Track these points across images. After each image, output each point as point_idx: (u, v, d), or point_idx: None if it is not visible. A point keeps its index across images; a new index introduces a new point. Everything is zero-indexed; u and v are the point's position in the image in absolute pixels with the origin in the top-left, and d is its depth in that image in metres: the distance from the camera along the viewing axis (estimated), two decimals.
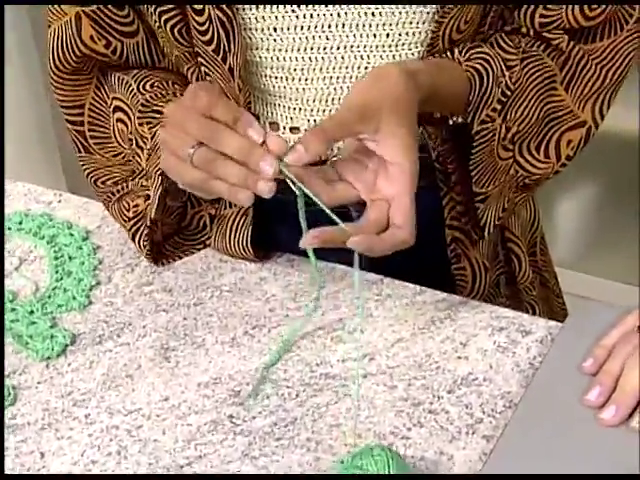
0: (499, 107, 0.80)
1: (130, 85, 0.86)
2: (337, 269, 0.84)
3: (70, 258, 0.89)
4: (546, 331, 0.76)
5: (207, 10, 0.76)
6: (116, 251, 0.90)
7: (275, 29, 0.77)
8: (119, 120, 0.88)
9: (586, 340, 0.72)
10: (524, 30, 0.82)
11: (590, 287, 1.75)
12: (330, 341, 0.77)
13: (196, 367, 0.75)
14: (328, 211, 0.68)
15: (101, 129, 0.90)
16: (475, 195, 0.83)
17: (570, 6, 0.80)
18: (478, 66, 0.79)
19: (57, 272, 0.87)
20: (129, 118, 0.87)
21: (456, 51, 0.79)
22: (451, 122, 0.82)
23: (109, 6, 0.83)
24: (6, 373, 0.76)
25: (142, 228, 0.84)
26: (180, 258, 0.88)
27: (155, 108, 0.83)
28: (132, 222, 0.86)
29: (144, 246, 0.85)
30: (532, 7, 0.81)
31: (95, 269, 0.87)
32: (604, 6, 0.80)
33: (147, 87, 0.85)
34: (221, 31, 0.76)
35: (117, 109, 0.88)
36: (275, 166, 0.67)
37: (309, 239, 0.68)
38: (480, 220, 0.85)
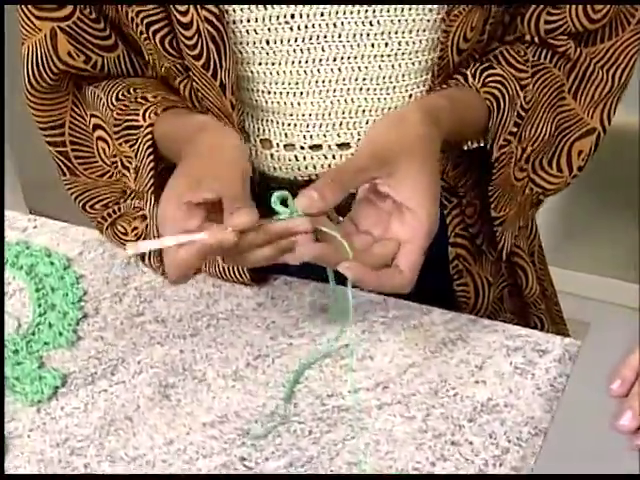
0: (515, 130, 0.78)
1: (101, 99, 0.81)
2: (338, 290, 0.80)
3: (52, 289, 0.83)
4: (562, 349, 0.73)
5: (195, 23, 0.71)
6: (101, 279, 0.85)
7: (268, 42, 0.73)
8: (99, 138, 0.84)
9: (609, 354, 0.69)
10: (528, 38, 0.79)
11: (569, 281, 1.74)
12: (339, 370, 0.73)
13: (199, 405, 0.71)
14: (338, 237, 0.65)
15: (85, 148, 0.85)
16: (493, 219, 0.80)
17: (574, 9, 0.77)
18: (495, 91, 0.75)
19: (39, 306, 0.81)
20: (109, 135, 0.82)
21: (469, 75, 0.75)
22: (465, 148, 0.79)
23: (85, 20, 0.78)
24: None
25: None
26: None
27: (125, 124, 0.79)
28: None
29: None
30: (537, 12, 0.78)
31: (80, 300, 0.82)
32: (608, 8, 0.78)
33: (114, 101, 0.80)
34: (211, 45, 0.72)
35: (96, 127, 0.83)
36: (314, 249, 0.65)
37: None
38: (498, 243, 0.82)
